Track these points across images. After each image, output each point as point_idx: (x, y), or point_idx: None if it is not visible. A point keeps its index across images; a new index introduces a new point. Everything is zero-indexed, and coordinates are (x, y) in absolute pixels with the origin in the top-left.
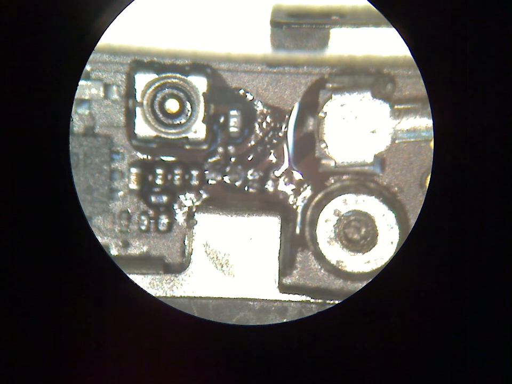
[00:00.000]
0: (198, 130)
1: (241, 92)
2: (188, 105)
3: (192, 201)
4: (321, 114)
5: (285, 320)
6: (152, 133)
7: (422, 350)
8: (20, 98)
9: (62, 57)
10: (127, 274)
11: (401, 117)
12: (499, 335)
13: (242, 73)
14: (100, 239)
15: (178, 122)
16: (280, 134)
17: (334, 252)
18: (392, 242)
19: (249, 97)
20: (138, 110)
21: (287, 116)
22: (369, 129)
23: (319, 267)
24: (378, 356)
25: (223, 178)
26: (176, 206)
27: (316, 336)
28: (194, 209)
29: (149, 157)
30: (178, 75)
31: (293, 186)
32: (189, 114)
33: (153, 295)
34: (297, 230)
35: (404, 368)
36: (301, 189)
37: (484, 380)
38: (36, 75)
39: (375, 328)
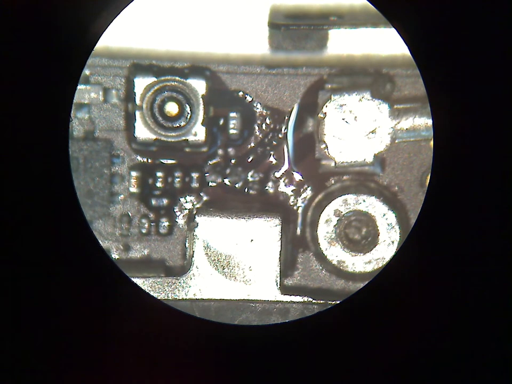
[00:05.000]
0: (197, 133)
1: (240, 93)
2: (187, 108)
3: (193, 204)
4: (320, 115)
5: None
6: (152, 136)
7: (422, 350)
8: (19, 103)
9: (60, 61)
10: (129, 277)
11: (400, 117)
12: (499, 335)
13: (241, 75)
14: (101, 243)
15: (178, 125)
16: (280, 135)
17: (335, 253)
18: (393, 242)
19: (249, 99)
20: (137, 113)
21: (286, 117)
22: (369, 129)
23: (320, 268)
24: (378, 355)
25: (223, 180)
26: (176, 209)
27: (316, 336)
28: (194, 212)
29: (149, 160)
30: (177, 78)
31: (293, 187)
32: (188, 117)
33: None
34: (298, 231)
35: (404, 367)
36: (301, 190)
37: (484, 379)
38: (34, 79)
39: (375, 328)
